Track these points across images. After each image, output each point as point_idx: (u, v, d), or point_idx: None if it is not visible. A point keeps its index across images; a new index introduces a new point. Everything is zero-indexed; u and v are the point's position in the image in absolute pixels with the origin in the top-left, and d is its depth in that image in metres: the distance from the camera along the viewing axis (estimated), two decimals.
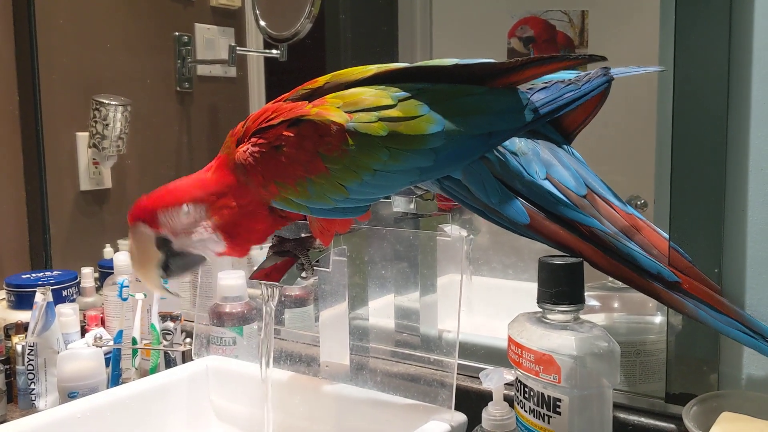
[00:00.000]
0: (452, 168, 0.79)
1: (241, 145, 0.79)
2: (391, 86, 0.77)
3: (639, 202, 1.02)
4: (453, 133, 0.75)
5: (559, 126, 0.83)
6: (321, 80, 0.81)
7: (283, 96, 0.83)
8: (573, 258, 0.76)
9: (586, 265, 0.77)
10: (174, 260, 0.82)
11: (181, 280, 0.83)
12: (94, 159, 1.71)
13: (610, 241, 0.76)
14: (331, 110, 0.75)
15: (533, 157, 0.79)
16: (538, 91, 0.77)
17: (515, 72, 0.76)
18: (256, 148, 0.78)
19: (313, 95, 0.80)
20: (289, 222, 0.87)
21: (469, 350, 1.03)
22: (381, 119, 0.74)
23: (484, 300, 1.19)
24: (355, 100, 0.76)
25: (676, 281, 0.75)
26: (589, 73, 0.78)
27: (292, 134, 0.76)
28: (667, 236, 0.78)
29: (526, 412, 0.76)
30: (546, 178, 0.78)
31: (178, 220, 0.80)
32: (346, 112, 0.75)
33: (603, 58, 0.75)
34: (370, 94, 0.76)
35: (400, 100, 0.75)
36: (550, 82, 0.78)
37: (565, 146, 0.82)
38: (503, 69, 0.76)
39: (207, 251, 0.82)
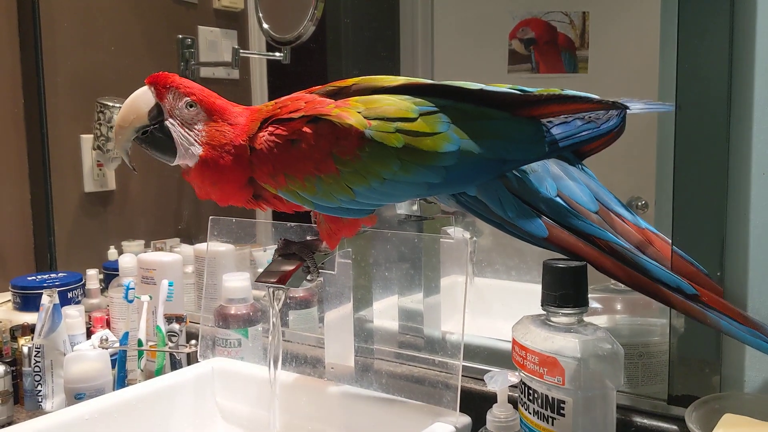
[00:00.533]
0: (461, 187, 0.80)
1: (261, 132, 0.81)
2: (417, 98, 0.78)
3: (640, 203, 1.02)
4: (467, 155, 0.76)
5: None
6: (349, 81, 0.83)
7: (313, 88, 0.85)
8: (577, 261, 0.77)
9: (588, 267, 0.78)
10: (155, 133, 0.84)
11: (149, 153, 0.85)
12: (98, 161, 1.71)
13: (627, 255, 0.77)
14: (352, 114, 0.77)
15: (544, 174, 0.80)
16: (558, 124, 0.78)
17: (537, 106, 0.78)
18: (273, 138, 0.80)
19: (339, 93, 0.82)
20: (261, 207, 0.88)
21: (472, 352, 1.03)
22: (399, 131, 0.76)
23: (487, 301, 1.20)
24: (377, 107, 0.77)
25: (695, 294, 0.77)
26: (608, 111, 0.78)
27: (309, 131, 0.78)
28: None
29: (530, 413, 0.77)
30: (557, 195, 0.79)
31: (180, 106, 0.83)
32: (366, 117, 0.77)
33: (625, 107, 0.77)
34: (393, 103, 0.78)
35: (421, 114, 0.77)
36: (569, 117, 0.79)
37: (576, 163, 0.83)
38: (526, 101, 0.78)
39: (181, 150, 0.84)
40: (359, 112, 0.77)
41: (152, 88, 0.83)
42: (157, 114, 0.83)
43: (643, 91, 0.96)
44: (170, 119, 0.83)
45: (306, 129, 0.78)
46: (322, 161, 0.78)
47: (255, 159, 0.81)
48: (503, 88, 0.80)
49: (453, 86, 0.80)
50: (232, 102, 0.87)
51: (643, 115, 0.91)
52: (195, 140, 0.83)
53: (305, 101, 0.82)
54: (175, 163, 0.85)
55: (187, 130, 0.83)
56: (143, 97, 0.83)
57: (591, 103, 0.77)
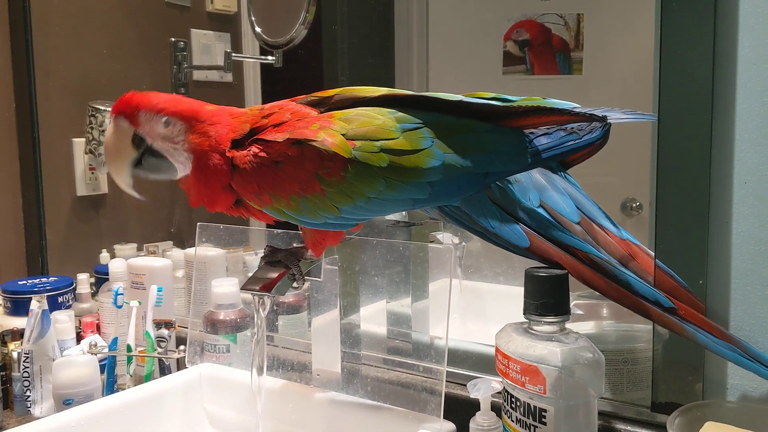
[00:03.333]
0: (446, 201, 0.80)
1: (244, 150, 0.80)
2: (399, 112, 0.78)
3: (635, 205, 1.02)
4: (451, 169, 0.76)
5: None
6: (331, 92, 0.83)
7: (297, 97, 0.85)
8: (558, 270, 0.77)
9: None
10: (149, 158, 0.83)
11: (152, 178, 0.84)
12: (90, 165, 1.71)
13: (607, 267, 0.77)
14: (336, 136, 0.77)
15: (527, 184, 0.81)
16: (541, 135, 0.78)
17: (515, 117, 0.78)
18: (257, 159, 0.79)
19: (321, 104, 0.82)
20: (242, 213, 0.88)
21: (460, 357, 1.04)
22: (383, 150, 0.76)
23: (477, 305, 1.20)
24: (360, 126, 0.77)
25: (672, 307, 0.77)
26: (592, 123, 0.78)
27: (293, 154, 0.78)
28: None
29: (512, 421, 0.77)
30: (540, 206, 0.80)
31: (157, 127, 0.81)
32: (350, 138, 0.76)
33: (604, 119, 0.77)
34: (376, 122, 0.77)
35: (404, 131, 0.77)
36: (551, 128, 0.79)
37: (560, 172, 0.84)
38: (504, 112, 0.78)
39: (178, 164, 0.83)
40: (343, 134, 0.77)
41: (122, 119, 0.81)
42: (141, 140, 0.82)
43: (638, 92, 0.96)
44: (152, 141, 0.81)
45: (290, 152, 0.78)
46: (307, 182, 0.78)
47: (239, 177, 0.81)
48: (484, 98, 0.80)
49: (432, 98, 0.80)
50: (203, 102, 0.86)
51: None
52: (184, 150, 0.82)
53: (291, 112, 0.81)
54: (179, 177, 0.85)
55: (171, 145, 0.82)
56: (119, 131, 0.81)
57: (570, 115, 0.77)
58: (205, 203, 0.86)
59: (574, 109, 0.77)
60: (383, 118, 0.78)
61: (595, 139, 0.78)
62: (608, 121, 0.78)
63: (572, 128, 0.79)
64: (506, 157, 0.78)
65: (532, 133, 0.78)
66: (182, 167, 0.83)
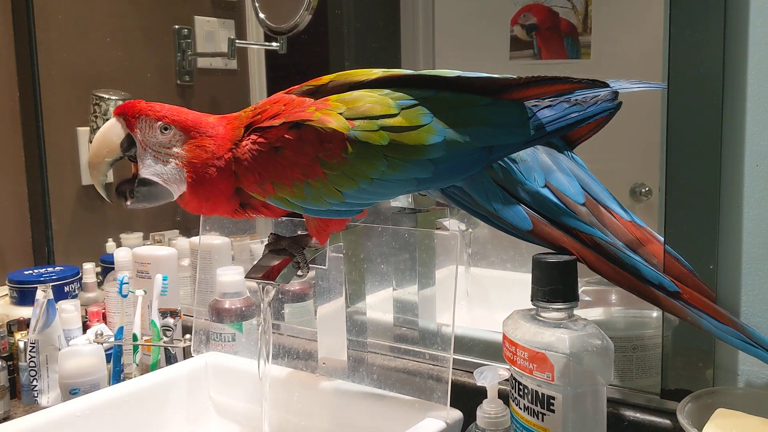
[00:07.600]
0: (450, 181, 0.79)
1: (243, 141, 0.80)
2: (396, 92, 0.77)
3: (644, 190, 1.01)
4: (453, 145, 0.75)
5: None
6: (325, 79, 0.82)
7: (291, 88, 0.84)
8: (566, 256, 0.76)
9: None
10: (140, 191, 0.82)
11: (148, 206, 0.84)
12: None
13: (611, 250, 0.76)
14: (333, 116, 0.76)
15: (532, 164, 0.79)
16: (543, 108, 0.77)
17: (517, 89, 0.76)
18: (256, 147, 0.78)
19: (317, 92, 0.81)
20: (249, 216, 0.87)
21: (467, 345, 1.03)
22: (382, 128, 0.75)
23: (484, 292, 1.19)
24: (358, 106, 0.76)
25: (676, 291, 0.76)
26: (597, 95, 0.77)
27: (292, 138, 0.77)
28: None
29: (520, 409, 0.76)
30: (545, 186, 0.78)
31: (153, 133, 0.80)
32: (348, 118, 0.75)
33: (606, 85, 0.76)
34: (373, 101, 0.76)
35: (402, 108, 0.75)
36: (555, 101, 0.77)
37: (566, 151, 0.82)
38: (505, 85, 0.77)
39: (173, 186, 0.82)
40: (340, 113, 0.76)
41: (121, 119, 0.81)
42: (129, 145, 0.81)
43: (647, 76, 0.94)
44: (141, 148, 0.81)
45: (289, 135, 0.77)
46: (308, 167, 0.77)
47: (240, 169, 0.80)
48: (481, 74, 0.78)
49: (431, 75, 0.78)
50: (204, 113, 0.85)
51: (647, 99, 0.90)
52: (177, 164, 0.81)
53: (284, 103, 0.80)
54: (176, 197, 0.83)
55: (163, 163, 0.81)
56: (113, 129, 0.81)
57: (572, 83, 0.76)
58: (204, 212, 0.86)
59: (575, 77, 0.76)
60: (381, 97, 0.77)
61: (601, 111, 0.76)
62: (612, 87, 0.76)
63: (575, 100, 0.77)
64: (508, 129, 0.76)
65: (535, 106, 0.77)
66: (177, 188, 0.82)
